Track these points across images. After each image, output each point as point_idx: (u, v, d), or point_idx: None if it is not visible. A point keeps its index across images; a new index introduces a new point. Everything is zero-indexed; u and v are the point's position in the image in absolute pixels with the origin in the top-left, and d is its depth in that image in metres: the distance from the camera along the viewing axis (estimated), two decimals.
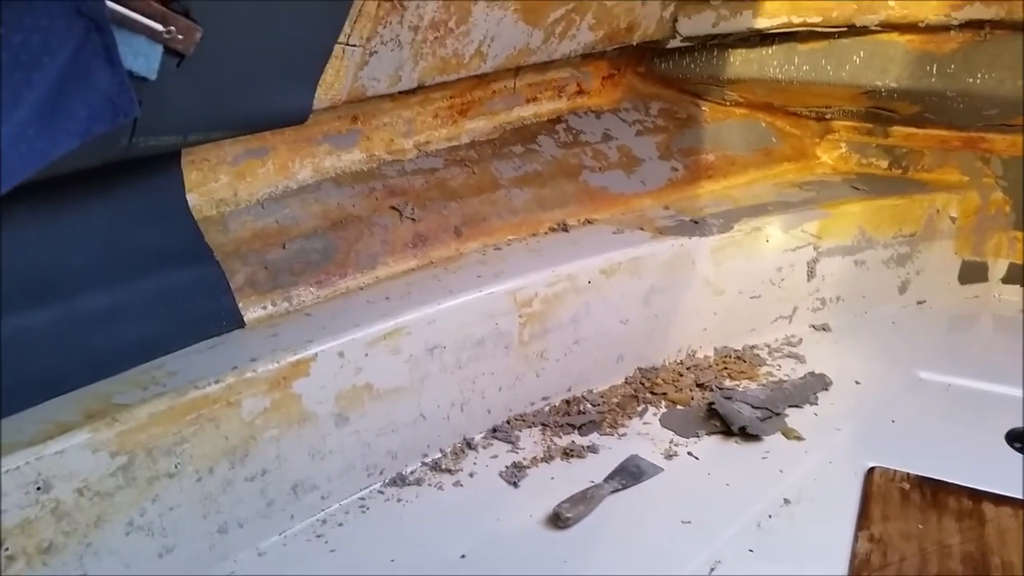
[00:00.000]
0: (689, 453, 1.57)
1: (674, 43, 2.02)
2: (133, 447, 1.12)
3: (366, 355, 1.39)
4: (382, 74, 1.44)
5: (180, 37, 1.03)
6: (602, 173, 2.01)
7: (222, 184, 1.47)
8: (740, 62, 2.04)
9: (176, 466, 1.17)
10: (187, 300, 1.32)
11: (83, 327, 1.21)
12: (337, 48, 1.27)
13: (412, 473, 1.51)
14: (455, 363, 1.53)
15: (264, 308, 1.45)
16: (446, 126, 1.83)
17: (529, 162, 1.93)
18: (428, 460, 1.54)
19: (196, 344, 1.31)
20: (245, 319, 1.41)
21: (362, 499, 1.43)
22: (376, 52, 1.38)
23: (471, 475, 1.51)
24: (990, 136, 2.12)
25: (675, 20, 1.96)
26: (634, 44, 1.96)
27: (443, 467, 1.52)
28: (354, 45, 1.29)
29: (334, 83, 1.33)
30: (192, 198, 1.41)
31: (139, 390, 1.18)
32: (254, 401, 1.26)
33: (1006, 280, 2.16)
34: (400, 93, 1.66)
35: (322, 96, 1.33)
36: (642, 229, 1.86)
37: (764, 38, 1.98)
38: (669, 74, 2.16)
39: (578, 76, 2.09)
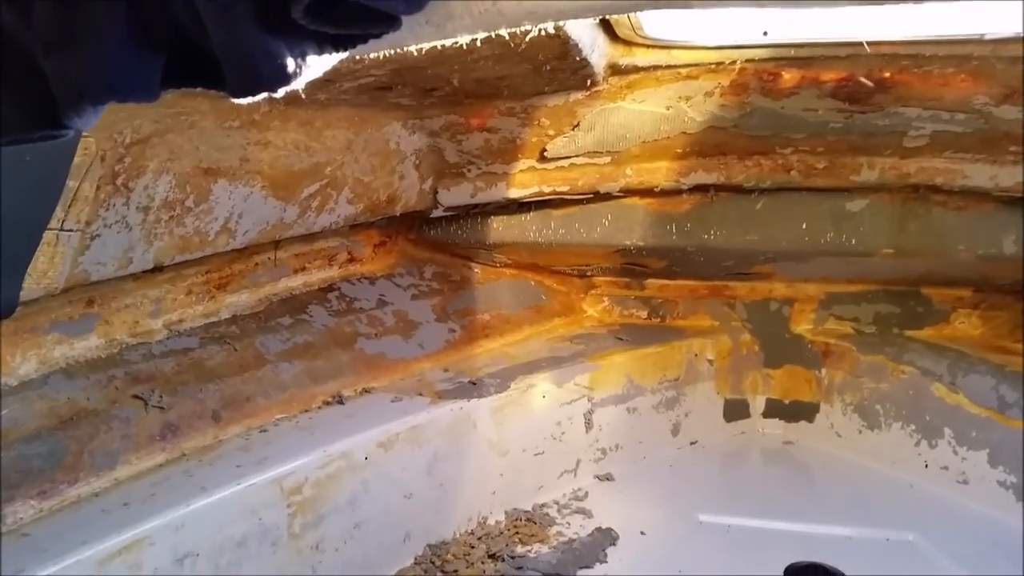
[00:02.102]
0: None
1: (437, 213, 2.08)
2: None
3: None
4: (108, 258, 1.32)
5: None
6: (379, 339, 1.97)
7: None
8: (502, 228, 2.14)
9: None
10: None
11: None
12: (49, 234, 1.15)
13: None
14: (211, 572, 1.35)
15: None
16: (202, 302, 1.72)
17: (299, 333, 1.84)
18: None
19: None
20: None
21: None
22: (99, 235, 1.27)
23: None
24: (732, 284, 2.34)
25: (435, 192, 2.03)
26: (398, 215, 1.99)
27: None
28: (70, 230, 1.18)
29: (48, 271, 1.20)
30: None
31: None
32: None
33: (766, 415, 2.33)
34: (144, 272, 1.54)
35: (33, 286, 1.19)
36: (421, 395, 1.81)
37: (522, 205, 2.09)
38: (439, 240, 2.22)
39: (348, 244, 2.08)
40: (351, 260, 2.09)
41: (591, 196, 2.02)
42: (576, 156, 1.92)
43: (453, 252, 2.26)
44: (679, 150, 1.91)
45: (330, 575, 1.53)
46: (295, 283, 1.94)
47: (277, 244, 1.83)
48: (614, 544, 1.76)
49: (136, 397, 1.49)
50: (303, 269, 1.96)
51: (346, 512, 1.57)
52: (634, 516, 1.87)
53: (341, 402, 1.77)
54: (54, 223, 1.14)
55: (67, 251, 1.19)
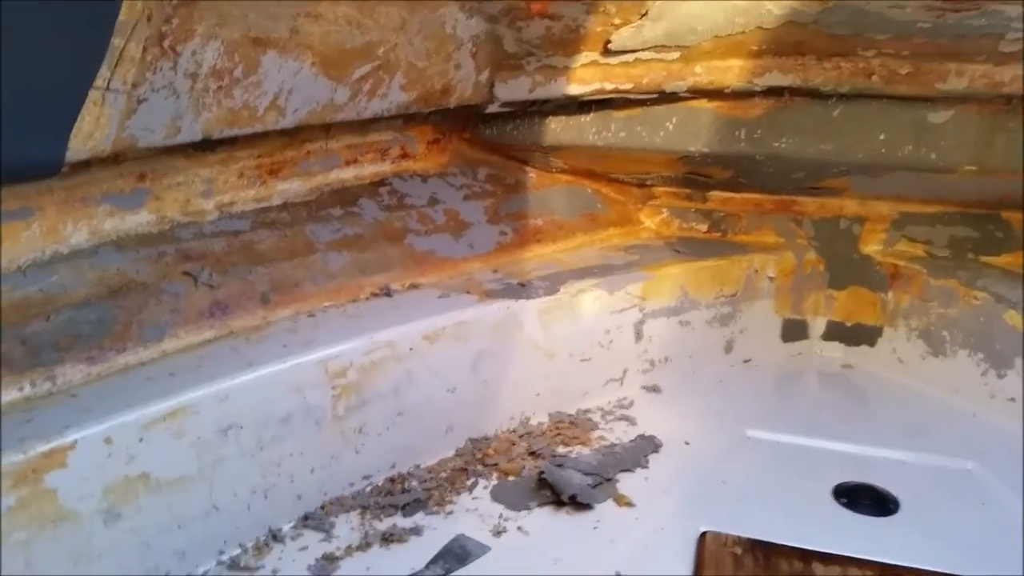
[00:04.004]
0: (519, 528, 1.47)
1: (493, 108, 2.00)
2: None
3: (140, 440, 1.21)
4: (156, 124, 1.30)
5: None
6: (428, 237, 1.94)
7: None
8: (560, 129, 2.05)
9: None
10: None
11: None
12: (95, 93, 1.13)
13: (204, 575, 1.31)
14: (255, 444, 1.37)
15: (20, 389, 1.24)
16: (254, 187, 1.70)
17: (349, 225, 1.82)
18: (225, 558, 1.35)
19: None
20: None
21: None
22: (146, 100, 1.24)
23: (274, 572, 1.34)
24: (801, 199, 2.23)
25: (492, 85, 1.95)
26: (452, 107, 1.92)
27: (242, 565, 1.35)
28: (116, 90, 1.16)
29: (94, 132, 1.18)
30: None
31: None
32: None
33: (826, 337, 2.25)
34: (196, 150, 1.52)
35: (79, 146, 1.18)
36: (469, 293, 1.79)
37: (581, 105, 2.00)
38: (494, 140, 2.15)
39: (402, 140, 2.03)
40: (404, 156, 2.05)
41: (655, 96, 1.91)
42: (642, 50, 1.81)
43: (508, 154, 2.19)
44: (754, 47, 1.78)
45: (372, 456, 1.55)
46: (347, 175, 1.91)
47: (328, 132, 1.79)
48: (656, 451, 1.73)
49: (186, 274, 1.49)
50: (355, 161, 1.93)
51: (390, 399, 1.57)
52: (679, 427, 1.83)
53: (388, 294, 1.76)
54: (99, 82, 1.12)
55: (113, 112, 1.17)
